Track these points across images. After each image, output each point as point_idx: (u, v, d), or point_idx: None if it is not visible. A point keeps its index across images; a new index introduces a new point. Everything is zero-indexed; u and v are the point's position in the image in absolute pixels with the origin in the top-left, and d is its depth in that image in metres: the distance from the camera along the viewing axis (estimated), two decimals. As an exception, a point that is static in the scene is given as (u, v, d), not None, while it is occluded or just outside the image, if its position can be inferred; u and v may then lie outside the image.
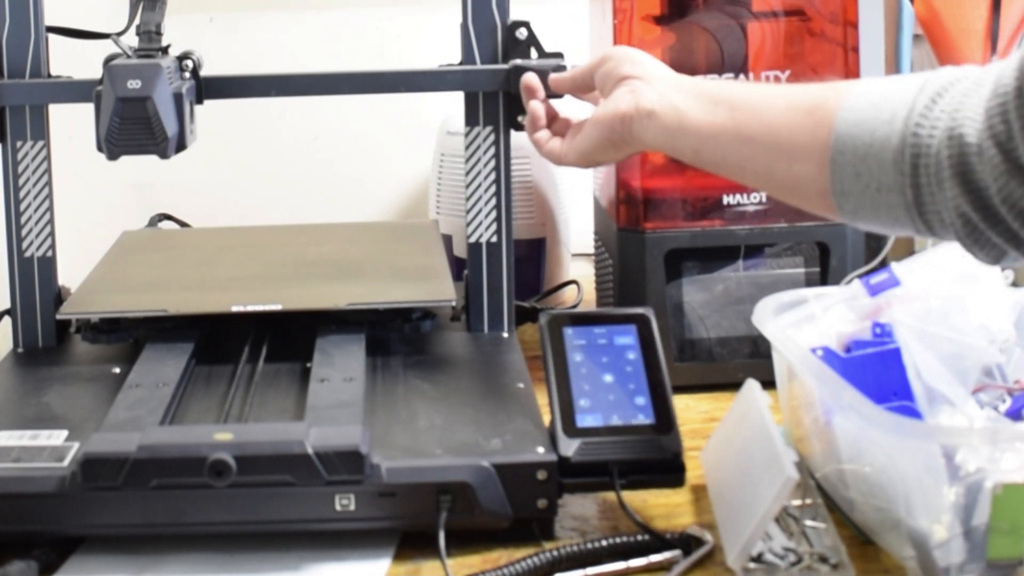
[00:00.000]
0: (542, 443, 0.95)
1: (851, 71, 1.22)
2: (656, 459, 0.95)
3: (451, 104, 1.28)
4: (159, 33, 1.11)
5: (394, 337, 1.17)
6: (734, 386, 1.03)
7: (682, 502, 1.00)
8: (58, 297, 1.20)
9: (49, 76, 1.18)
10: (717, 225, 1.23)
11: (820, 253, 1.25)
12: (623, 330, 1.02)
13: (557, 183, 1.48)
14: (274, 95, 1.19)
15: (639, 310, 1.04)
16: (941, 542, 0.84)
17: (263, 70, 1.19)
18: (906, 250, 1.42)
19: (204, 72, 1.15)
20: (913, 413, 0.95)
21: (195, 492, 0.90)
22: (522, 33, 1.18)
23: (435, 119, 1.52)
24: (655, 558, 0.91)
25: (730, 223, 1.23)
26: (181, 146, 1.11)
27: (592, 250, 1.42)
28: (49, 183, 1.19)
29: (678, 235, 1.22)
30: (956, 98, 0.82)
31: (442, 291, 1.17)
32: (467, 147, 1.20)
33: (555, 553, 0.90)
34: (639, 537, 0.92)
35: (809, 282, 1.25)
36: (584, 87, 1.10)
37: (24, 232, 1.19)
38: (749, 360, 1.22)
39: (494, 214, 1.21)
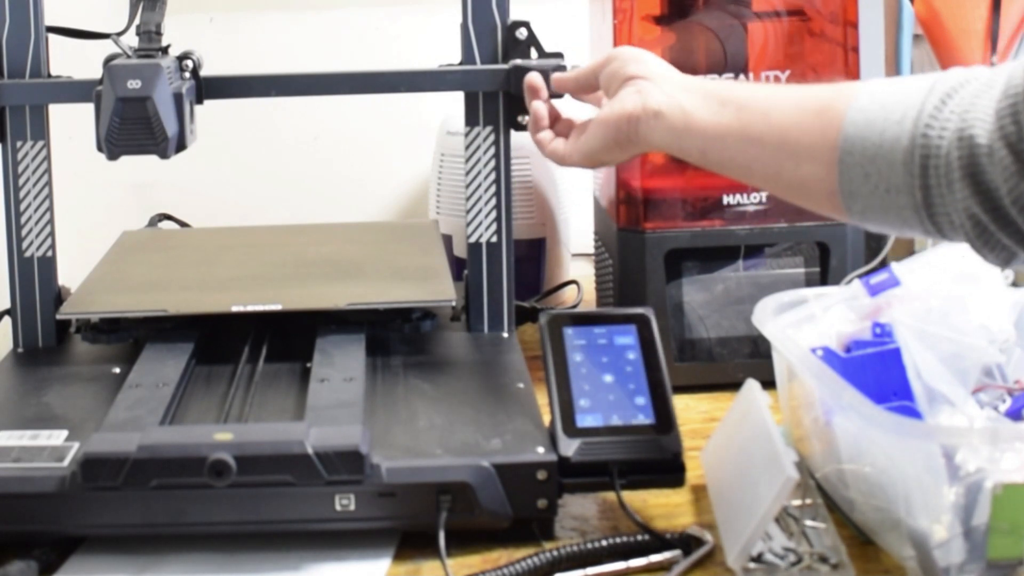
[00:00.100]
0: (542, 443, 0.95)
1: (851, 71, 1.22)
2: (656, 459, 0.95)
3: (451, 104, 1.28)
4: (159, 33, 1.11)
5: (394, 337, 1.17)
6: (734, 386, 1.03)
7: (682, 502, 1.01)
8: (58, 297, 1.20)
9: (49, 76, 1.18)
10: (717, 225, 1.23)
11: (820, 253, 1.25)
12: (623, 330, 1.02)
13: (557, 183, 1.48)
14: (274, 95, 1.19)
15: (639, 310, 1.04)
16: (941, 542, 0.84)
17: (263, 70, 1.19)
18: (906, 250, 1.42)
19: (204, 72, 1.15)
20: (913, 413, 0.95)
21: (195, 492, 0.90)
22: (522, 33, 1.18)
23: (435, 119, 1.52)
24: (655, 558, 0.91)
25: (730, 223, 1.23)
26: (181, 146, 1.11)
27: (592, 250, 1.42)
28: (49, 183, 1.19)
29: (678, 235, 1.22)
30: (966, 99, 0.82)
31: (442, 291, 1.17)
32: (467, 147, 1.20)
33: (555, 553, 0.90)
34: (639, 537, 0.92)
35: (809, 282, 1.25)
36: (588, 87, 1.09)
37: (24, 232, 1.19)
38: (749, 360, 1.22)
39: (494, 214, 1.21)
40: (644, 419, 0.96)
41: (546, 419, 0.98)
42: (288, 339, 1.15)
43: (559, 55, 1.17)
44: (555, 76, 1.13)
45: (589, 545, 0.91)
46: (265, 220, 1.56)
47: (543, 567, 0.90)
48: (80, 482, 0.90)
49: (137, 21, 1.12)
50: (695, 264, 1.24)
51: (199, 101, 1.15)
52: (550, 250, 1.47)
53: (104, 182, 1.55)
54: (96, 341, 1.16)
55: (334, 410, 0.97)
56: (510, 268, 1.21)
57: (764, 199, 1.23)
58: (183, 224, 1.53)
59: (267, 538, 0.94)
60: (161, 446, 0.89)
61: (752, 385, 0.99)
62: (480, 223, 1.21)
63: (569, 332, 1.02)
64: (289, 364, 1.11)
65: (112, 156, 1.08)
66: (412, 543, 0.94)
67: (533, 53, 1.18)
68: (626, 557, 0.91)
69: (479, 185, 1.20)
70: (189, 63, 1.13)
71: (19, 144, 1.18)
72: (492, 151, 1.20)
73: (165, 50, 1.11)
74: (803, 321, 1.05)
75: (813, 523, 0.94)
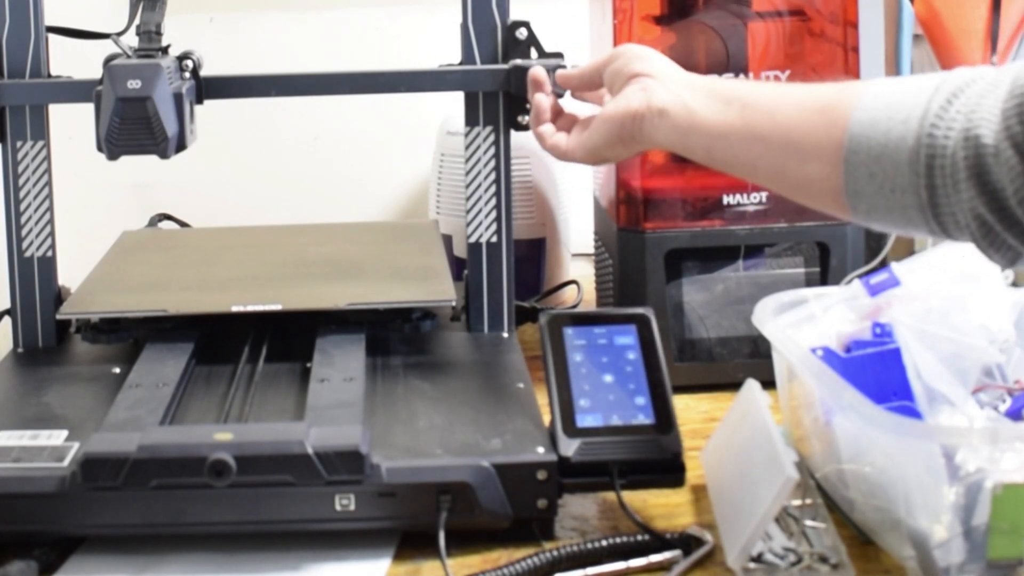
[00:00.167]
0: (542, 443, 0.95)
1: (851, 71, 1.22)
2: (656, 459, 0.94)
3: (451, 104, 1.28)
4: (159, 33, 1.11)
5: (394, 337, 1.17)
6: (734, 386, 1.03)
7: (682, 502, 1.01)
8: (58, 297, 1.20)
9: (49, 76, 1.18)
10: (717, 225, 1.23)
11: (820, 253, 1.25)
12: (623, 330, 1.02)
13: (557, 183, 1.48)
14: (274, 95, 1.19)
15: (639, 310, 1.04)
16: (941, 542, 0.84)
17: (263, 70, 1.19)
18: (906, 250, 1.42)
19: (204, 72, 1.15)
20: (913, 413, 0.95)
21: (195, 492, 0.90)
22: (522, 33, 1.18)
23: (435, 119, 1.52)
24: (655, 558, 0.91)
25: (730, 223, 1.23)
26: (181, 146, 1.11)
27: (592, 250, 1.42)
28: (49, 183, 1.19)
29: (678, 235, 1.22)
30: (972, 99, 0.81)
31: (442, 291, 1.17)
32: (467, 147, 1.20)
33: (555, 553, 0.90)
34: (639, 537, 0.92)
35: (809, 282, 1.25)
36: (591, 84, 1.09)
37: (24, 232, 1.19)
38: (749, 360, 1.22)
39: (494, 214, 1.21)
40: (644, 419, 0.96)
41: (546, 419, 0.98)
42: (288, 339, 1.15)
43: (559, 55, 1.17)
44: (559, 72, 1.13)
45: (589, 545, 0.91)
46: (265, 220, 1.56)
47: (543, 567, 0.90)
48: (80, 482, 0.90)
49: (137, 21, 1.12)
50: (695, 264, 1.24)
51: (199, 101, 1.15)
52: (550, 250, 1.47)
53: (104, 182, 1.55)
54: (96, 341, 1.16)
55: (334, 410, 0.97)
56: (510, 268, 1.21)
57: (764, 199, 1.23)
58: (183, 224, 1.53)
59: (267, 538, 0.94)
60: (161, 446, 0.89)
61: (752, 385, 0.99)
62: (480, 223, 1.21)
63: (569, 332, 1.02)
64: (289, 364, 1.11)
65: (112, 156, 1.08)
66: (412, 543, 0.94)
67: (533, 53, 1.18)
68: (626, 557, 0.91)
69: (479, 185, 1.20)
70: (189, 63, 1.13)
71: (19, 144, 1.18)
72: (492, 151, 1.20)
73: (165, 50, 1.11)
74: (803, 321, 1.05)
75: (813, 523, 0.94)
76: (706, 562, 0.91)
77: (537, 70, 1.13)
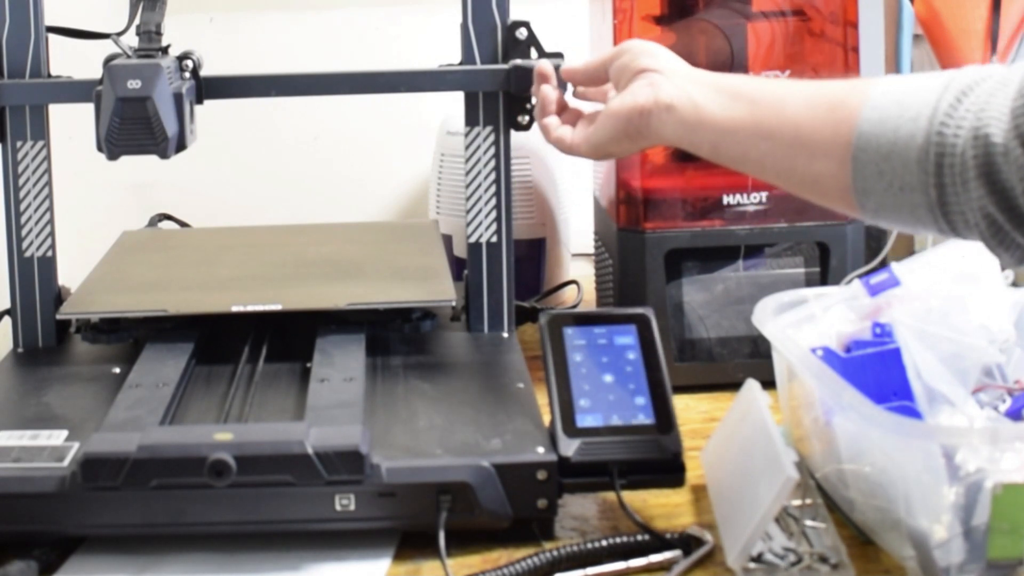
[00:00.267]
0: (542, 443, 0.95)
1: (851, 71, 1.22)
2: (656, 459, 0.94)
3: (451, 104, 1.28)
4: (159, 33, 1.11)
5: (394, 337, 1.17)
6: (734, 386, 1.03)
7: (682, 502, 1.01)
8: (58, 297, 1.20)
9: (49, 76, 1.18)
10: (717, 225, 1.23)
11: (820, 253, 1.25)
12: (623, 330, 1.02)
13: (557, 183, 1.48)
14: (274, 95, 1.19)
15: (639, 310, 1.04)
16: (941, 542, 0.84)
17: (263, 70, 1.19)
18: (906, 250, 1.42)
19: (204, 72, 1.15)
20: (913, 413, 0.95)
21: (195, 492, 0.90)
22: (522, 33, 1.18)
23: (435, 119, 1.52)
24: (655, 558, 0.91)
25: (730, 223, 1.23)
26: (181, 146, 1.11)
27: (592, 250, 1.42)
28: (49, 183, 1.19)
29: (678, 235, 1.22)
30: (982, 97, 0.81)
31: (442, 291, 1.17)
32: (467, 147, 1.20)
33: (555, 553, 0.90)
34: (639, 537, 0.92)
35: (809, 282, 1.25)
36: (597, 79, 1.09)
37: (24, 232, 1.19)
38: (749, 360, 1.22)
39: (494, 214, 1.21)
40: (644, 419, 0.96)
41: (546, 419, 0.98)
42: (288, 339, 1.15)
43: (559, 55, 1.17)
44: (564, 66, 1.12)
45: (589, 545, 0.91)
46: (265, 220, 1.56)
47: (543, 567, 0.90)
48: (80, 482, 0.90)
49: (137, 21, 1.12)
50: (695, 264, 1.24)
51: (199, 101, 1.15)
52: (550, 250, 1.47)
53: (104, 182, 1.55)
54: (96, 341, 1.16)
55: (334, 410, 0.97)
56: (510, 268, 1.21)
57: (764, 199, 1.23)
58: (183, 224, 1.53)
59: (267, 538, 0.94)
60: (161, 446, 0.89)
61: (752, 385, 0.99)
62: (480, 223, 1.21)
63: (569, 332, 1.02)
64: (289, 364, 1.11)
65: (112, 156, 1.08)
66: (412, 543, 0.94)
67: (533, 53, 1.18)
68: (626, 557, 0.91)
69: (479, 185, 1.20)
70: (189, 63, 1.13)
71: (19, 144, 1.18)
72: (492, 151, 1.20)
73: (165, 50, 1.11)
74: (803, 321, 1.05)
75: (813, 523, 0.94)
76: (706, 562, 0.91)
77: (543, 63, 1.13)
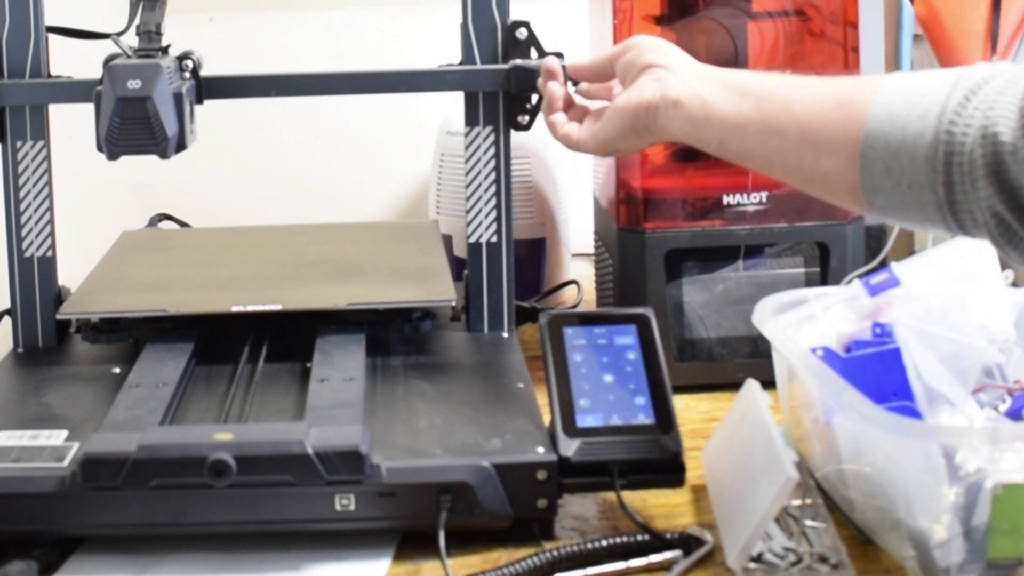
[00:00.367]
0: (542, 443, 0.95)
1: (851, 71, 1.22)
2: (656, 459, 0.94)
3: (451, 104, 1.28)
4: (159, 33, 1.11)
5: (394, 337, 1.17)
6: (734, 386, 1.03)
7: (682, 502, 1.01)
8: (58, 297, 1.20)
9: (49, 76, 1.18)
10: (717, 225, 1.23)
11: (820, 253, 1.25)
12: (623, 330, 1.02)
13: (557, 183, 1.48)
14: (274, 95, 1.19)
15: (639, 310, 1.04)
16: (941, 542, 0.84)
17: (263, 70, 1.19)
18: (906, 250, 1.42)
19: (204, 72, 1.15)
20: (913, 413, 0.95)
21: (195, 492, 0.90)
22: (522, 33, 1.18)
23: (435, 119, 1.52)
24: (655, 558, 0.91)
25: (730, 223, 1.23)
26: (181, 146, 1.11)
27: (592, 250, 1.42)
28: (49, 183, 1.19)
29: (678, 235, 1.22)
30: (990, 96, 0.81)
31: (442, 291, 1.17)
32: (467, 147, 1.20)
33: (555, 553, 0.90)
34: (639, 537, 0.92)
35: (809, 282, 1.25)
36: (603, 75, 1.08)
37: (24, 232, 1.19)
38: (749, 360, 1.22)
39: (494, 214, 1.21)
40: (644, 419, 0.96)
41: (546, 419, 0.98)
42: (288, 339, 1.15)
43: (559, 55, 1.17)
44: (570, 63, 1.12)
45: (589, 545, 0.91)
46: (265, 220, 1.56)
47: (543, 567, 0.90)
48: (80, 482, 0.90)
49: (137, 21, 1.12)
50: (695, 264, 1.24)
51: (199, 101, 1.15)
52: (550, 250, 1.47)
53: (104, 182, 1.55)
54: (96, 341, 1.16)
55: (334, 410, 0.97)
56: (510, 268, 1.21)
57: (764, 199, 1.23)
58: (183, 224, 1.53)
59: (267, 538, 0.94)
60: (161, 446, 0.89)
61: (752, 385, 0.99)
62: (480, 223, 1.21)
63: (569, 332, 1.02)
64: (289, 364, 1.11)
65: (112, 156, 1.08)
66: (412, 543, 0.94)
67: (533, 53, 1.18)
68: (626, 557, 0.91)
69: (479, 185, 1.20)
70: (189, 63, 1.13)
71: (19, 144, 1.18)
72: (492, 151, 1.20)
73: (165, 50, 1.11)
74: (803, 321, 1.05)
75: (813, 523, 0.94)
76: (706, 562, 0.91)
77: (551, 60, 1.13)
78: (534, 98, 1.18)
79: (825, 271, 1.24)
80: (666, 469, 0.95)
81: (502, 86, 1.18)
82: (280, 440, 0.90)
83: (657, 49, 1.01)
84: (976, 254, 1.06)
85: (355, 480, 0.90)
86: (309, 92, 1.22)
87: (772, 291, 1.08)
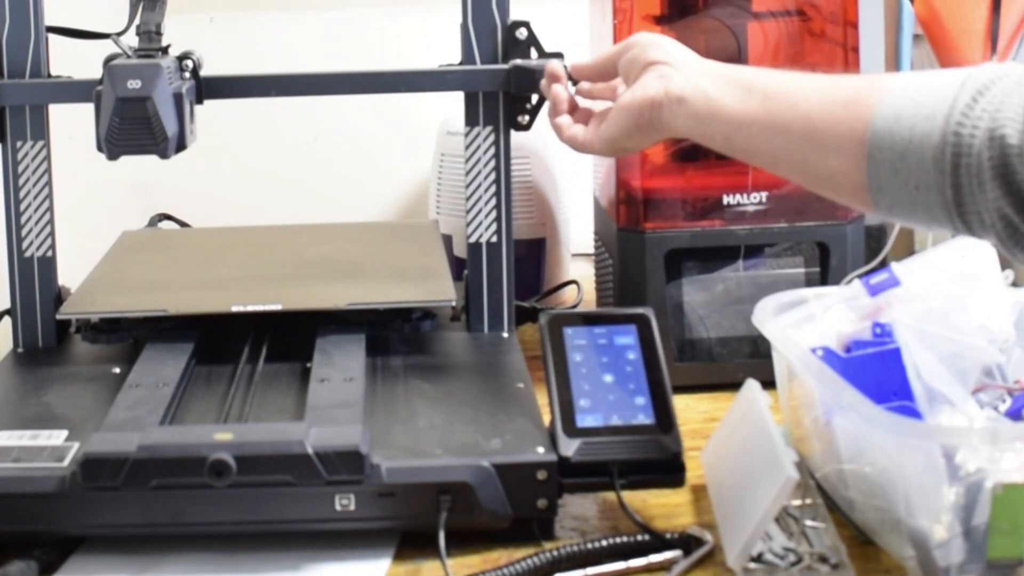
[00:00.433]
0: (542, 443, 0.95)
1: (851, 71, 1.22)
2: (656, 459, 0.94)
3: (451, 104, 1.28)
4: (159, 33, 1.11)
5: (394, 337, 1.17)
6: (734, 386, 1.03)
7: (682, 502, 1.01)
8: (58, 297, 1.20)
9: (49, 76, 1.18)
10: (717, 225, 1.23)
11: (820, 253, 1.25)
12: (623, 330, 1.02)
13: (557, 183, 1.48)
14: (274, 95, 1.19)
15: (639, 310, 1.04)
16: (941, 542, 0.84)
17: (263, 70, 1.19)
18: (906, 250, 1.42)
19: (204, 72, 1.15)
20: (913, 413, 0.95)
21: (195, 492, 0.90)
22: (522, 33, 1.18)
23: (435, 119, 1.52)
24: (655, 558, 0.91)
25: (730, 223, 1.23)
26: (181, 146, 1.11)
27: (592, 250, 1.42)
28: (49, 183, 1.19)
29: (678, 235, 1.22)
30: (998, 97, 0.81)
31: (442, 291, 1.17)
32: (467, 147, 1.20)
33: (555, 553, 0.90)
34: (639, 537, 0.92)
35: (809, 282, 1.25)
36: (606, 74, 1.08)
37: (24, 232, 1.19)
38: (749, 360, 1.22)
39: (494, 214, 1.21)
40: (644, 419, 0.96)
41: (546, 419, 0.98)
42: (288, 339, 1.15)
43: (559, 55, 1.17)
44: (573, 63, 1.12)
45: (589, 545, 0.91)
46: (265, 220, 1.56)
47: (543, 567, 0.90)
48: (80, 482, 0.90)
49: (137, 21, 1.12)
50: (695, 264, 1.24)
51: (199, 101, 1.15)
52: (550, 250, 1.47)
53: (104, 182, 1.55)
54: (96, 341, 1.16)
55: (334, 410, 0.97)
56: (510, 268, 1.21)
57: (764, 199, 1.23)
58: (183, 224, 1.53)
59: (267, 538, 0.94)
60: (161, 446, 0.89)
61: (752, 385, 0.99)
62: (480, 223, 1.21)
63: (569, 332, 1.02)
64: (289, 364, 1.11)
65: (112, 156, 1.08)
66: (412, 543, 0.94)
67: (533, 53, 1.18)
68: (626, 557, 0.91)
69: (479, 185, 1.20)
70: (189, 63, 1.13)
71: (19, 144, 1.18)
72: (492, 151, 1.20)
73: (165, 50, 1.11)
74: (803, 321, 1.05)
75: (813, 523, 0.94)
76: (706, 562, 0.91)
77: (554, 63, 1.13)
78: (534, 98, 1.18)
79: (825, 271, 1.24)
80: (666, 469, 0.95)
81: (502, 86, 1.18)
82: (280, 440, 0.90)
83: (660, 46, 1.01)
84: (976, 254, 1.06)
85: (355, 480, 0.90)
86: (309, 92, 1.22)
87: (772, 291, 1.08)
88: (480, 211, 1.21)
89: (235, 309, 1.13)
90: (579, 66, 1.11)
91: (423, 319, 1.17)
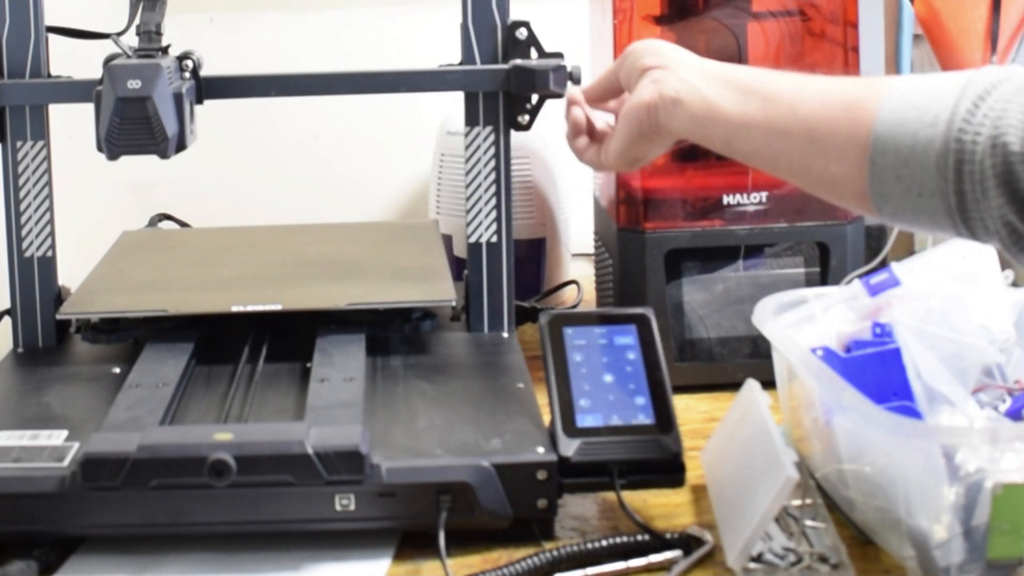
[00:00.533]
0: (542, 443, 0.95)
1: (851, 71, 1.22)
2: (656, 459, 0.94)
3: (451, 104, 1.28)
4: (159, 33, 1.11)
5: (394, 337, 1.17)
6: (734, 386, 1.03)
7: (682, 502, 1.01)
8: (58, 297, 1.20)
9: (49, 76, 1.18)
10: (717, 225, 1.23)
11: (820, 253, 1.25)
12: (623, 330, 1.02)
13: (557, 183, 1.48)
14: (274, 95, 1.19)
15: (639, 310, 1.04)
16: (941, 542, 0.84)
17: (263, 70, 1.19)
18: (906, 250, 1.42)
19: (204, 72, 1.15)
20: (913, 413, 0.95)
21: (195, 492, 0.90)
22: (522, 33, 1.18)
23: (435, 119, 1.52)
24: (655, 558, 0.91)
25: (730, 223, 1.23)
26: (181, 146, 1.11)
27: (592, 250, 1.42)
28: (49, 183, 1.19)
29: (678, 235, 1.22)
30: (999, 103, 0.80)
31: (442, 291, 1.17)
32: (467, 147, 1.20)
33: (555, 553, 0.90)
34: (639, 537, 0.92)
35: (809, 282, 1.25)
36: (613, 90, 1.08)
37: (24, 232, 1.19)
38: (749, 360, 1.22)
39: (494, 214, 1.21)
40: (644, 419, 0.96)
41: (546, 419, 0.98)
42: (288, 339, 1.15)
43: (559, 55, 1.17)
44: (582, 89, 1.11)
45: (589, 545, 0.91)
46: (265, 220, 1.56)
47: (543, 567, 0.90)
48: (80, 482, 0.90)
49: (137, 21, 1.12)
50: (695, 264, 1.24)
51: (199, 101, 1.15)
52: (550, 250, 1.47)
53: (104, 182, 1.55)
54: (96, 341, 1.16)
55: (334, 410, 0.97)
56: (510, 268, 1.21)
57: (764, 199, 1.23)
58: (183, 224, 1.53)
59: (267, 538, 0.94)
60: (161, 446, 0.89)
61: (752, 385, 0.99)
62: (480, 223, 1.21)
63: (569, 332, 1.02)
64: (289, 364, 1.11)
65: (112, 156, 1.08)
66: (412, 543, 0.94)
67: (533, 53, 1.18)
68: (626, 557, 0.91)
69: (479, 185, 1.20)
70: (189, 63, 1.13)
71: (19, 144, 1.18)
72: (492, 151, 1.20)
73: (165, 50, 1.11)
74: (803, 321, 1.05)
75: (813, 523, 0.94)
76: (706, 562, 0.91)
77: (573, 90, 1.12)
78: (534, 98, 1.18)
79: (825, 271, 1.24)
80: (666, 469, 0.95)
81: (502, 86, 1.18)
82: (280, 440, 0.90)
83: (655, 51, 1.01)
84: (976, 254, 1.06)
85: (355, 480, 0.90)
86: (309, 92, 1.22)
87: (772, 291, 1.08)
88: (480, 211, 1.21)
89: (235, 309, 1.13)
90: (588, 90, 1.11)
91: (423, 319, 1.17)
